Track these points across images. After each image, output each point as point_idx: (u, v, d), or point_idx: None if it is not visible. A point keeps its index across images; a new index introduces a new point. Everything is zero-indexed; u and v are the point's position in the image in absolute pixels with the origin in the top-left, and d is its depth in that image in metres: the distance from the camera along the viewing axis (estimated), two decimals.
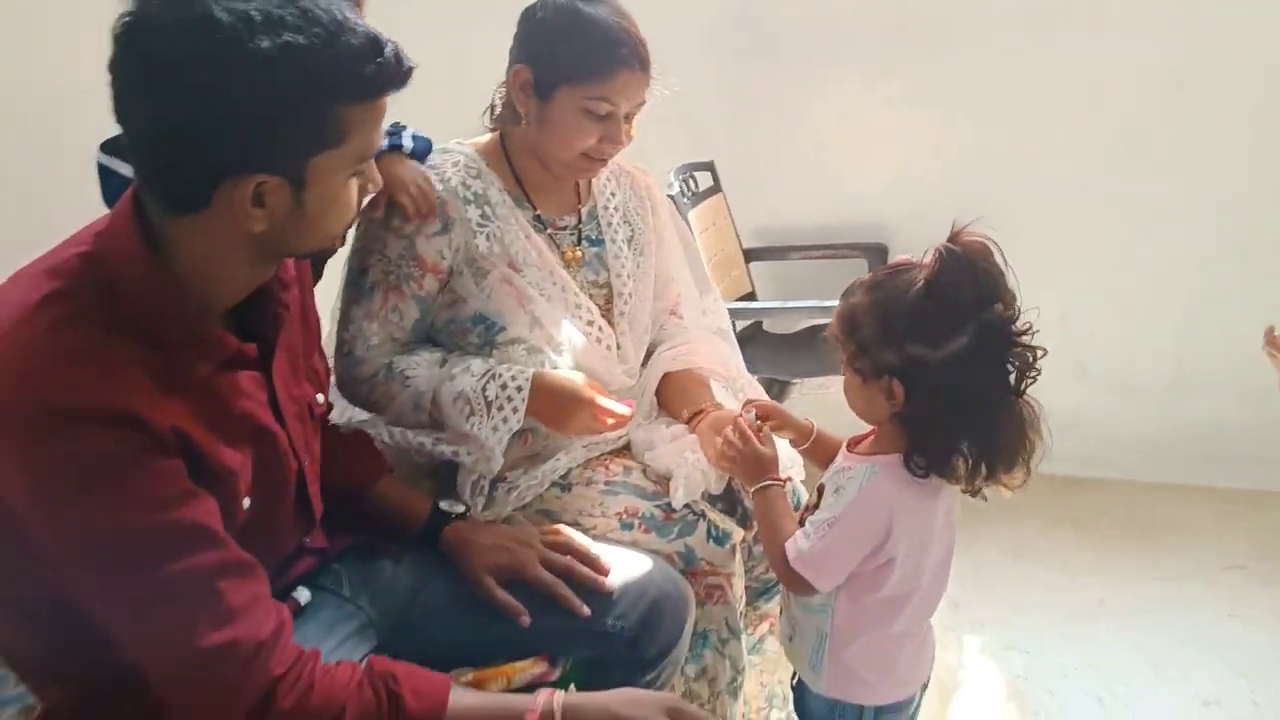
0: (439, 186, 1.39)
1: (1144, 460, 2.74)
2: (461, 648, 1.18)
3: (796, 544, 1.14)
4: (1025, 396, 1.09)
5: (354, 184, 0.95)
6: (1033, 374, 1.08)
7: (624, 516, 1.37)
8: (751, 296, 2.79)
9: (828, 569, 1.13)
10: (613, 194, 1.58)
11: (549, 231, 1.49)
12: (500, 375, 1.34)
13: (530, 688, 1.17)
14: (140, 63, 0.83)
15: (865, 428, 1.19)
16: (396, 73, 0.91)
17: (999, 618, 2.12)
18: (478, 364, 1.36)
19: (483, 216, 1.41)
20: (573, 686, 1.12)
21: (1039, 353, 1.08)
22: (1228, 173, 2.53)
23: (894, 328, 1.06)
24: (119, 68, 0.84)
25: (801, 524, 1.17)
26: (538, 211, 1.48)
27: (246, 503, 0.97)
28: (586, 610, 1.18)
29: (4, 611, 1.00)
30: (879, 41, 2.67)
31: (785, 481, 1.26)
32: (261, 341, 1.02)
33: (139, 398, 0.85)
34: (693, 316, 1.68)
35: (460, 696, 0.97)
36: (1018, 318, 1.07)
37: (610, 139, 1.37)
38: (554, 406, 1.33)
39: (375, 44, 0.89)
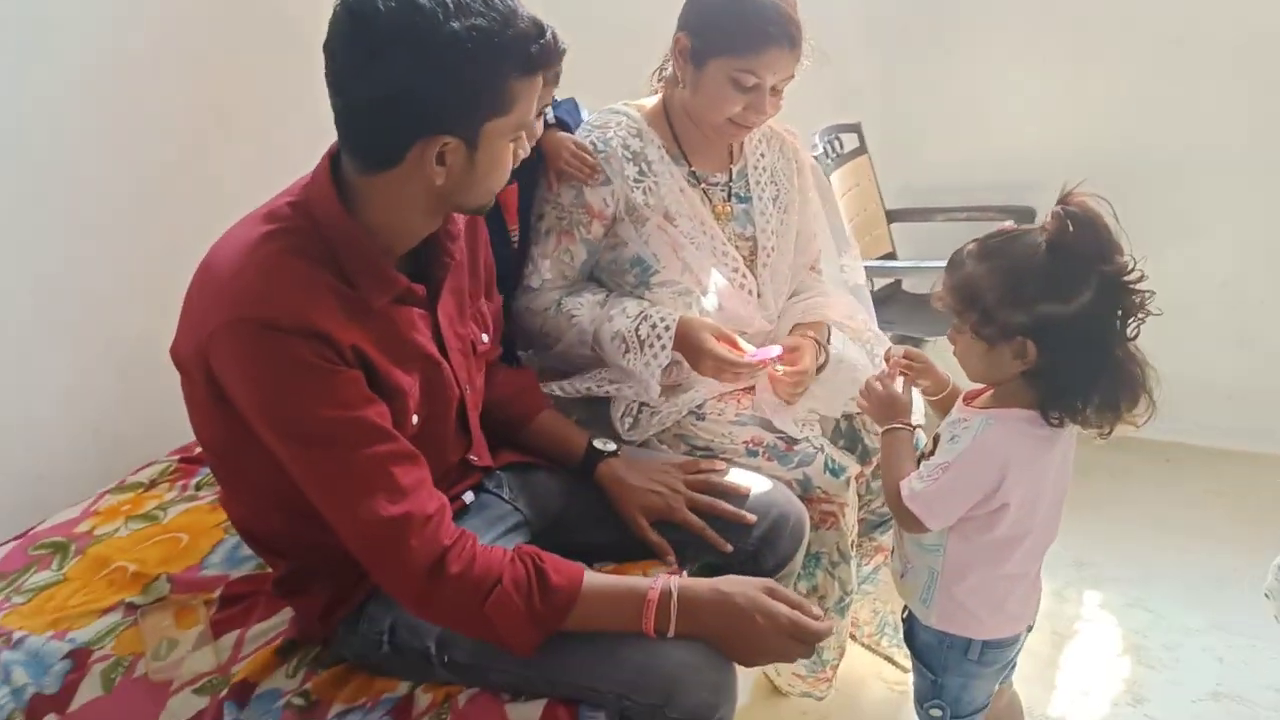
0: (601, 146, 1.57)
1: None
2: (604, 548, 1.37)
3: (910, 484, 1.24)
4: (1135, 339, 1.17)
5: (511, 147, 1.13)
6: (1144, 315, 1.17)
7: (750, 445, 1.54)
8: (892, 256, 2.85)
9: (937, 510, 1.22)
10: (762, 155, 1.72)
11: (703, 187, 1.64)
12: (650, 317, 1.51)
13: None
14: (357, 41, 1.02)
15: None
16: (555, 52, 1.09)
17: (1126, 576, 2.16)
18: (632, 305, 1.54)
19: (639, 173, 1.59)
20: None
21: (1150, 295, 1.16)
22: None
23: (1024, 289, 1.13)
24: (337, 44, 1.04)
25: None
26: (693, 168, 1.64)
27: (415, 419, 1.17)
28: (729, 547, 1.35)
29: (240, 496, 1.26)
30: (1031, 3, 2.66)
31: (915, 428, 1.36)
32: (430, 284, 1.22)
33: (330, 320, 1.06)
34: (830, 272, 1.81)
35: (593, 576, 1.15)
36: (1133, 266, 1.15)
37: (755, 109, 1.51)
38: (690, 350, 1.50)
39: (539, 27, 1.07)
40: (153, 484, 1.68)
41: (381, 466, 1.07)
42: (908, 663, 1.84)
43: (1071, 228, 1.12)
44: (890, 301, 2.84)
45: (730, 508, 1.37)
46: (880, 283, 2.82)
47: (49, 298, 1.76)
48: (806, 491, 1.49)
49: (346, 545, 1.10)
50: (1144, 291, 1.15)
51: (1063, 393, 1.17)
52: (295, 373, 1.03)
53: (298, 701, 1.20)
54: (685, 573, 1.37)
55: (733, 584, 1.15)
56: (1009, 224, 1.22)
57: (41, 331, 1.75)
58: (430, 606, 1.10)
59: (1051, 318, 1.12)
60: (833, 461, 1.51)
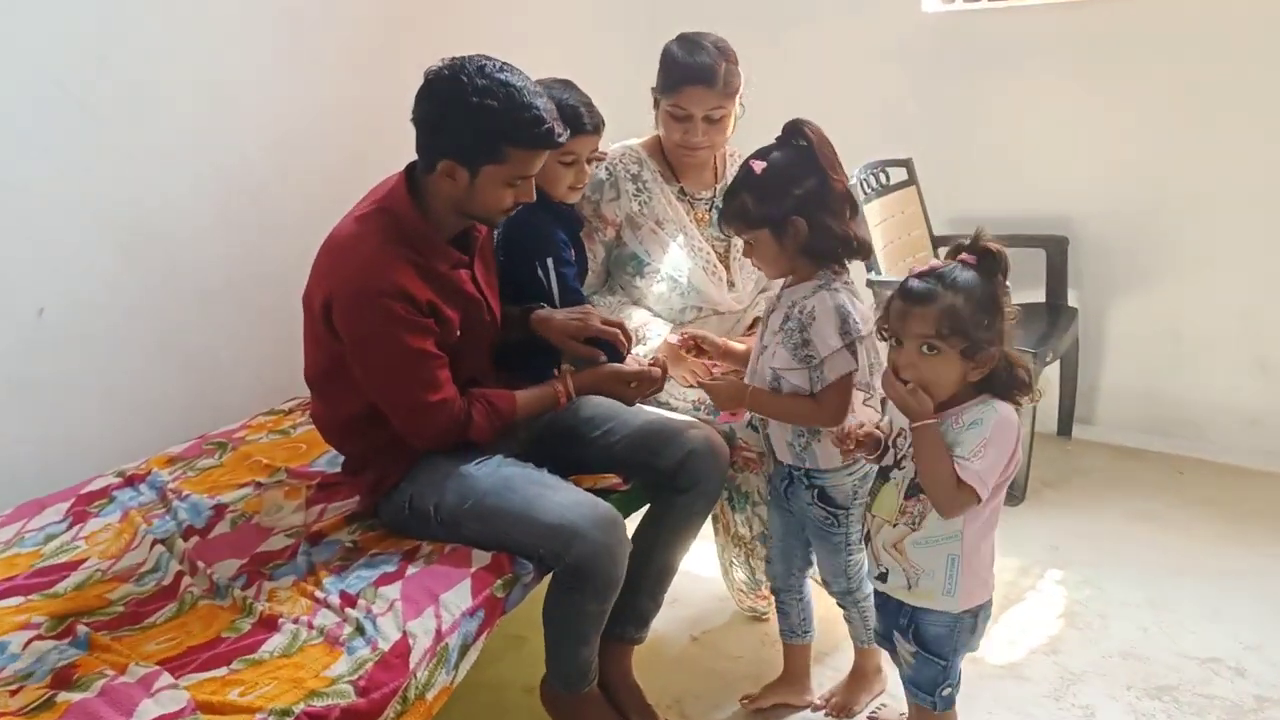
0: (606, 174, 2.09)
1: None
2: (572, 461, 1.87)
3: (967, 465, 1.36)
4: None
5: (509, 192, 1.66)
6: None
7: (696, 403, 2.02)
8: None
9: (989, 481, 1.37)
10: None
11: (689, 199, 2.15)
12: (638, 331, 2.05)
13: (609, 492, 1.84)
14: (421, 89, 1.61)
15: None
16: (549, 140, 1.62)
17: (1091, 560, 2.39)
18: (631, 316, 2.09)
19: (637, 190, 2.11)
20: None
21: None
22: None
23: (989, 313, 1.36)
24: (419, 93, 1.62)
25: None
26: (682, 185, 2.15)
27: (459, 332, 1.71)
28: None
29: (327, 400, 1.84)
30: (1070, 46, 2.94)
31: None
32: (470, 255, 1.77)
33: (410, 283, 1.62)
34: None
35: (521, 394, 1.77)
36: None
37: (690, 134, 2.00)
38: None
39: (539, 119, 1.59)
40: (289, 411, 2.35)
41: (431, 373, 1.66)
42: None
43: (998, 259, 1.38)
44: None
45: (623, 340, 1.85)
46: None
47: (246, 277, 2.51)
48: (732, 441, 1.94)
49: (397, 422, 1.69)
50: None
51: (1016, 380, 1.41)
52: (384, 321, 1.60)
53: (349, 544, 1.77)
54: (627, 486, 1.85)
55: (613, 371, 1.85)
56: (928, 265, 1.41)
57: (231, 296, 2.49)
58: (440, 444, 1.71)
59: (1003, 330, 1.39)
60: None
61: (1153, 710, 1.90)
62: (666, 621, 2.10)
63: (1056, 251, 3.00)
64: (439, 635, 1.48)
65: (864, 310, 1.61)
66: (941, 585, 1.46)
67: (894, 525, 1.48)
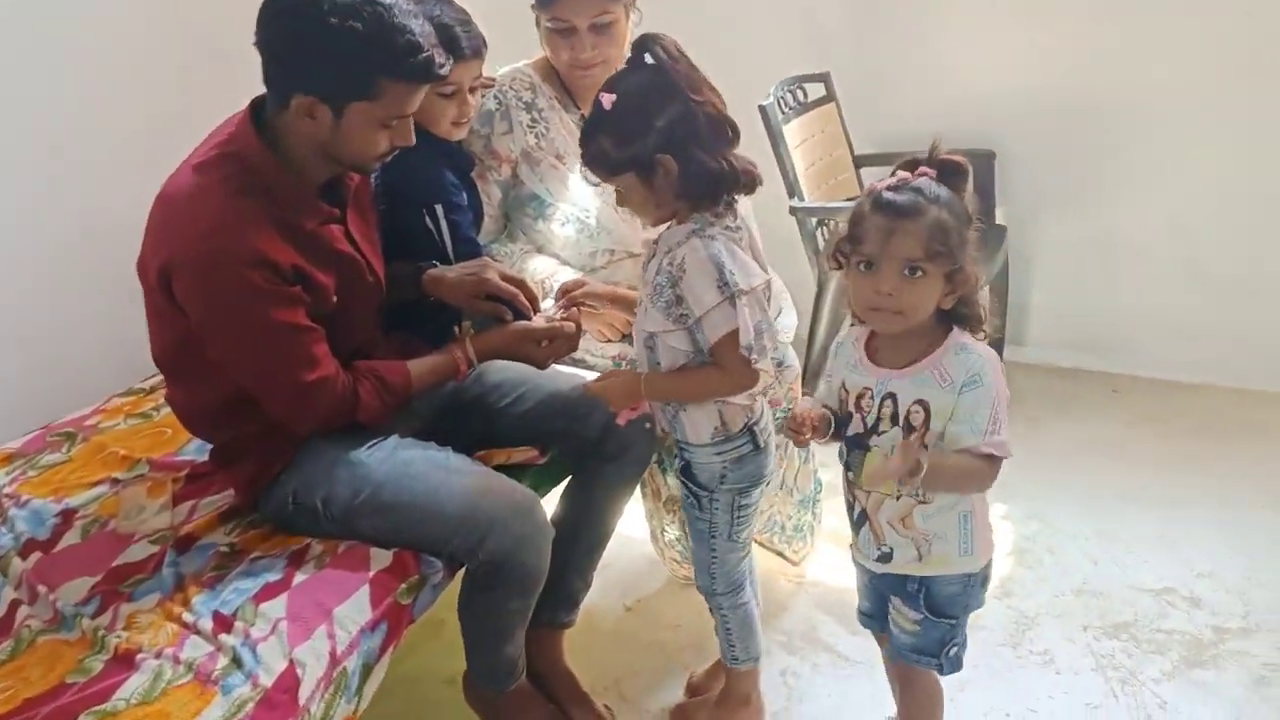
0: (495, 103, 1.81)
1: (1253, 367, 2.71)
2: (481, 435, 1.64)
3: (992, 439, 1.21)
4: None
5: (385, 134, 1.38)
6: None
7: (616, 359, 1.80)
8: None
9: (1007, 437, 1.23)
10: None
11: None
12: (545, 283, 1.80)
13: (525, 467, 1.63)
14: (267, 5, 1.31)
15: None
16: (429, 72, 1.34)
17: (1036, 493, 2.30)
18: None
19: (532, 120, 1.84)
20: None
21: None
22: None
23: (967, 228, 1.20)
24: (262, 11, 1.32)
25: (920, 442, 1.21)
26: (583, 112, 1.87)
27: (335, 299, 1.45)
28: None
29: (184, 384, 1.56)
30: None
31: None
32: (341, 207, 1.50)
33: (270, 245, 1.34)
34: None
35: (414, 364, 1.52)
36: None
37: (578, 49, 1.74)
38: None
39: (416, 46, 1.31)
40: (152, 390, 2.04)
41: (306, 350, 1.40)
42: (797, 557, 2.08)
43: (963, 171, 1.21)
44: None
45: (524, 301, 1.60)
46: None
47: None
48: None
49: (271, 408, 1.44)
50: None
51: (975, 309, 1.26)
52: (242, 293, 1.33)
53: (225, 549, 1.52)
54: (546, 459, 1.65)
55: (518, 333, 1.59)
56: (902, 175, 1.22)
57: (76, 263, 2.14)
58: (325, 427, 1.46)
59: (976, 247, 1.22)
60: None
61: (1111, 650, 1.81)
62: (597, 590, 1.91)
63: (983, 167, 2.84)
64: (334, 659, 1.26)
65: (745, 259, 1.35)
66: (957, 547, 1.32)
67: (896, 498, 1.29)
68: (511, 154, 1.84)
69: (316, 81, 1.32)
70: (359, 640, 1.29)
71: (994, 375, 1.23)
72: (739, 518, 1.50)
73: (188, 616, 1.34)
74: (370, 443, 1.49)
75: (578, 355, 1.79)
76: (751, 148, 1.42)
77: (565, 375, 1.68)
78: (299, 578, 1.40)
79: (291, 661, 1.23)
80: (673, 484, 1.83)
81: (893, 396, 1.25)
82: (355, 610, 1.32)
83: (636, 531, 2.08)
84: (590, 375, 1.69)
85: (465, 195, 1.71)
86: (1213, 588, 1.95)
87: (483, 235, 1.83)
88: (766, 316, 1.38)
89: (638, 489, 1.86)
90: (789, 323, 1.89)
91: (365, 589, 1.36)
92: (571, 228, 1.85)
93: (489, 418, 1.65)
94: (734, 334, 1.31)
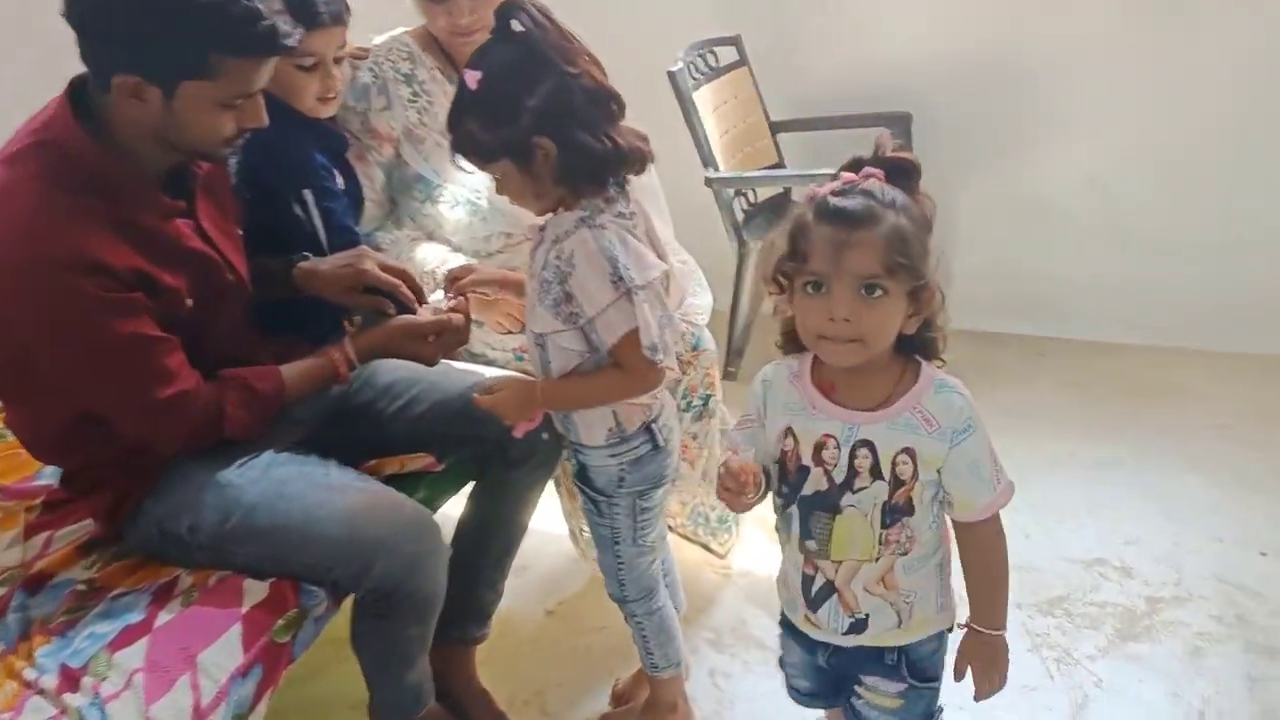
0: (371, 76, 1.65)
1: (1170, 325, 2.71)
2: (372, 443, 1.50)
3: (1004, 486, 1.08)
4: None
5: (229, 116, 1.21)
6: None
7: (518, 351, 1.66)
8: (779, 166, 2.89)
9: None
10: None
11: None
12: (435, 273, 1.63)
13: (420, 475, 1.49)
14: None
15: None
16: (271, 44, 1.16)
17: None
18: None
19: (412, 94, 1.67)
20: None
21: None
22: (1274, 31, 2.39)
23: (928, 235, 1.02)
24: None
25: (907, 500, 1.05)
26: None
27: (189, 301, 1.28)
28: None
29: (26, 405, 1.38)
30: None
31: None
32: (189, 199, 1.32)
33: (101, 246, 1.16)
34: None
35: (287, 369, 1.36)
36: None
37: (455, 14, 1.58)
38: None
39: (255, 15, 1.13)
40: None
41: (157, 362, 1.23)
42: (723, 549, 1.98)
43: (915, 170, 1.03)
44: (780, 211, 2.89)
45: (408, 293, 1.45)
46: (767, 193, 2.86)
47: None
48: None
49: (126, 429, 1.28)
50: None
51: (936, 337, 1.07)
52: (76, 303, 1.15)
53: (82, 587, 1.35)
54: (443, 466, 1.51)
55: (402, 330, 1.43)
56: (847, 176, 1.02)
57: None
58: (190, 446, 1.30)
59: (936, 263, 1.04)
60: None
61: (1046, 628, 1.76)
62: (515, 594, 1.79)
63: (900, 130, 2.76)
64: (198, 713, 1.11)
65: (639, 250, 1.21)
66: (935, 603, 1.13)
67: (875, 560, 1.09)
68: (392, 131, 1.67)
69: (139, 59, 1.14)
70: (229, 688, 1.15)
71: (976, 412, 1.07)
72: (641, 521, 1.38)
73: (29, 673, 1.18)
74: (241, 460, 1.33)
75: (476, 350, 1.66)
76: (662, 116, 1.28)
77: (461, 374, 1.53)
78: (163, 618, 1.24)
79: None
80: None
81: (869, 445, 1.04)
82: (224, 654, 1.17)
83: (555, 527, 1.96)
84: (491, 371, 1.56)
85: (339, 179, 1.54)
86: (1142, 556, 1.92)
87: (366, 222, 1.67)
88: (666, 310, 1.25)
89: (551, 486, 1.74)
90: (704, 302, 1.77)
91: (237, 628, 1.21)
92: (462, 210, 1.69)
93: (379, 424, 1.50)
94: (634, 333, 1.19)
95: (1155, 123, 2.57)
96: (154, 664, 1.16)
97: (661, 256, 1.27)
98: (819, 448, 1.06)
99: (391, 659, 1.37)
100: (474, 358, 1.65)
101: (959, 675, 1.15)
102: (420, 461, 1.49)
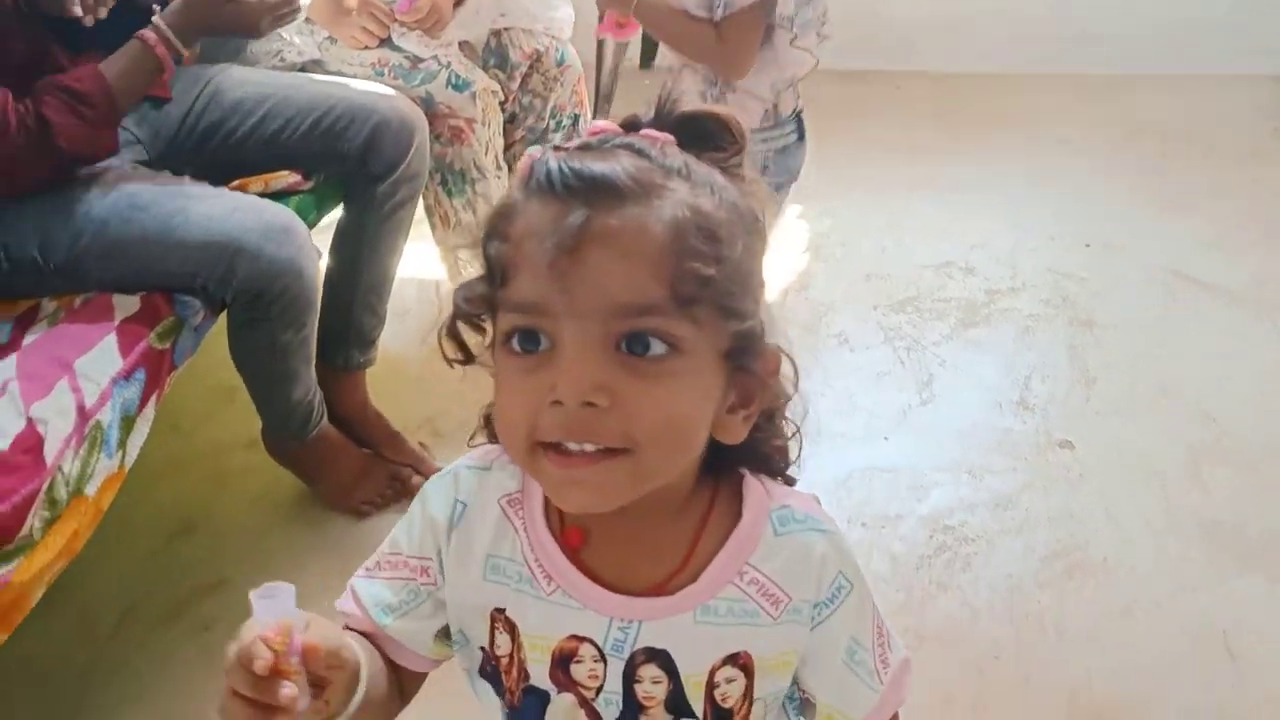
0: None
1: (1018, 53, 2.79)
2: (228, 167, 1.44)
3: (899, 663, 0.63)
4: None
5: None
6: None
7: (376, 65, 1.59)
8: None
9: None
10: None
11: None
12: None
13: (287, 193, 1.46)
14: None
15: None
16: None
17: (827, 192, 2.32)
18: None
19: None
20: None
21: None
22: None
23: (755, 238, 0.58)
24: None
25: None
26: None
27: None
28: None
29: None
30: None
31: None
32: None
33: None
34: None
35: (103, 64, 1.25)
36: None
37: None
38: None
39: None
40: None
41: None
42: None
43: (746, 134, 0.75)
44: None
45: None
46: None
47: None
48: (430, 108, 1.56)
49: None
50: None
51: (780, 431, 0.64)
52: None
53: None
54: (311, 184, 1.48)
55: None
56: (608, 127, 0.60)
57: None
58: (20, 171, 1.20)
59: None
60: (457, 77, 1.57)
61: (898, 323, 1.91)
62: (397, 338, 1.83)
63: None
64: (83, 413, 1.12)
65: None
66: None
67: None
68: None
69: None
70: (111, 391, 1.15)
71: (850, 554, 0.61)
72: None
73: None
74: (87, 178, 1.27)
75: (332, 69, 1.58)
76: None
77: (315, 85, 1.48)
78: (30, 338, 1.21)
79: (30, 420, 1.08)
80: (461, 207, 1.69)
81: (660, 658, 0.58)
82: (102, 361, 1.16)
83: (433, 273, 1.97)
84: (354, 84, 1.50)
85: None
86: (986, 258, 2.08)
87: None
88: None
89: (425, 219, 1.73)
90: (565, 15, 1.72)
91: (111, 338, 1.19)
92: None
93: (233, 146, 1.44)
94: (758, 7, 1.20)
95: None
96: (28, 373, 1.14)
97: None
98: (563, 658, 0.59)
99: (273, 372, 1.38)
100: (330, 74, 1.58)
101: None
102: (286, 180, 1.45)
